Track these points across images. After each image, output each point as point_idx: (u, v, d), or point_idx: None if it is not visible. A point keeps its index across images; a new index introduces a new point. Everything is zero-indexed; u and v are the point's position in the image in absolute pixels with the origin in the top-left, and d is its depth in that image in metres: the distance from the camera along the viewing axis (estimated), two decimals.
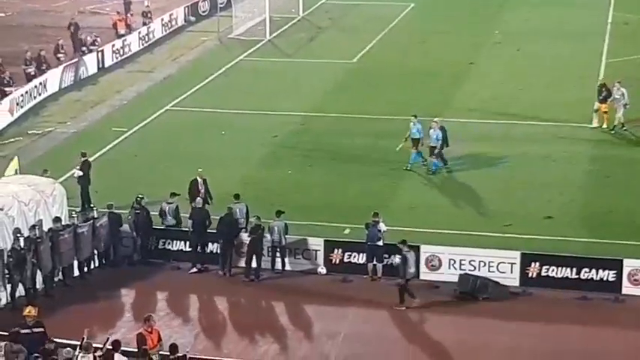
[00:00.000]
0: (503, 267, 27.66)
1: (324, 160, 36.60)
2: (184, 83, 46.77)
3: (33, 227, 26.87)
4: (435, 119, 35.52)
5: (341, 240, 29.30)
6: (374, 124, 40.07)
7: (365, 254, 28.35)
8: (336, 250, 28.72)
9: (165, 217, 29.91)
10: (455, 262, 27.93)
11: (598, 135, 38.78)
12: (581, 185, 34.22)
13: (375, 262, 28.21)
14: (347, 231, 30.07)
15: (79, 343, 20.94)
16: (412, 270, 27.03)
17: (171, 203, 30.02)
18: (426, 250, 28.17)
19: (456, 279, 27.57)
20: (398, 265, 27.18)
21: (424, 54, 51.28)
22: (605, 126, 39.02)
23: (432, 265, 28.12)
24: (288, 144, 38.74)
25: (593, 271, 27.19)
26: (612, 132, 38.69)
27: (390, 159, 36.30)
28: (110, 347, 21.08)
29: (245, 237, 28.74)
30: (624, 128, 38.80)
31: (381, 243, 28.09)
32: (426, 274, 28.08)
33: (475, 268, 27.75)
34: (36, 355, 20.65)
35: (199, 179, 31.34)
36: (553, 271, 27.45)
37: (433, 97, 43.62)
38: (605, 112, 38.97)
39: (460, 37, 54.11)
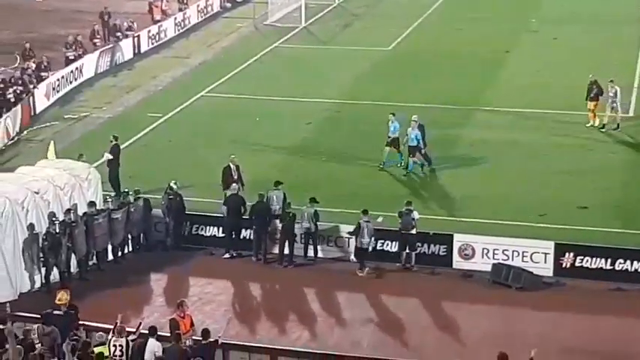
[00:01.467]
0: (536, 257, 27.51)
1: (358, 147, 36.51)
2: (219, 69, 46.83)
3: (68, 211, 27.06)
4: (414, 117, 34.39)
5: (374, 227, 29.21)
6: (407, 112, 39.83)
7: (397, 242, 28.30)
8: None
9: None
10: (488, 251, 27.82)
11: (634, 124, 38.40)
12: (617, 175, 33.94)
13: (407, 251, 28.16)
14: (380, 219, 29.94)
15: (112, 327, 21.05)
16: (365, 240, 27.42)
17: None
18: (459, 239, 28.09)
19: (489, 268, 27.49)
20: (353, 232, 27.74)
21: (460, 41, 50.97)
22: (596, 124, 37.87)
23: (466, 254, 28.03)
24: (322, 131, 38.70)
25: (628, 262, 27.00)
26: (602, 130, 37.59)
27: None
28: (144, 332, 21.17)
29: (278, 224, 28.78)
30: (618, 129, 37.55)
31: (414, 231, 28.04)
32: (459, 263, 28.03)
33: (508, 257, 27.63)
34: (69, 338, 20.78)
35: (232, 166, 31.35)
36: (587, 261, 27.29)
37: (468, 85, 43.39)
38: (591, 110, 37.98)
39: (496, 25, 53.81)
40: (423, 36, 52.68)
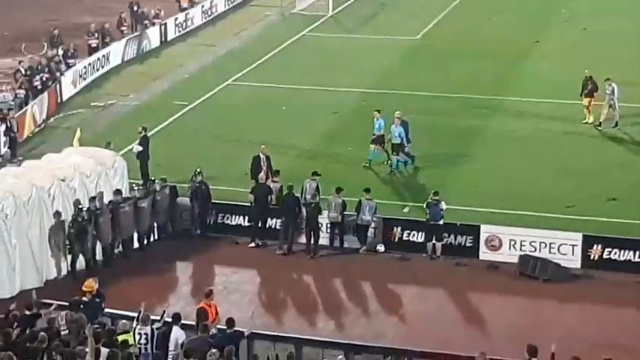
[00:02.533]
0: (564, 249, 27.31)
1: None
2: (246, 58, 46.73)
3: (93, 199, 27.08)
4: (397, 113, 33.62)
5: (400, 218, 29.15)
6: (436, 102, 39.71)
7: (424, 233, 28.16)
8: (394, 229, 28.59)
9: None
10: (515, 242, 27.64)
11: None
12: None
13: (434, 241, 28.02)
14: (406, 209, 29.90)
15: (136, 315, 21.02)
16: (366, 217, 28.09)
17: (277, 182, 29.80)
18: (486, 230, 27.94)
19: (516, 259, 27.32)
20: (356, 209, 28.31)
21: (489, 31, 50.65)
22: (590, 121, 37.01)
23: (492, 245, 27.85)
24: (349, 120, 38.56)
25: None
26: (599, 127, 36.69)
27: (451, 138, 35.98)
28: (168, 320, 21.12)
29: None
30: (617, 127, 36.63)
31: (441, 222, 27.88)
32: (485, 254, 27.87)
33: (536, 249, 27.45)
34: (95, 325, 20.77)
35: (262, 155, 31.16)
36: (615, 253, 27.07)
37: (497, 75, 43.13)
38: (586, 107, 37.13)
39: (526, 15, 53.38)
40: (452, 25, 52.35)
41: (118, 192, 27.90)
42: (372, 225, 28.37)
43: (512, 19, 52.64)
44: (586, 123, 37.10)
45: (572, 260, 27.22)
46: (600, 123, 36.84)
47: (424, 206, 28.09)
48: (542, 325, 24.21)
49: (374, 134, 33.71)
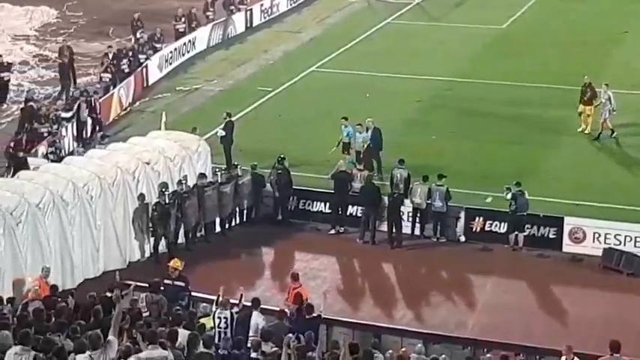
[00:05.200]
0: None
1: (468, 126, 35.99)
2: (330, 45, 46.67)
3: (180, 182, 27.32)
4: (369, 119, 32.20)
5: (482, 208, 28.89)
6: (520, 92, 39.25)
7: (507, 223, 27.87)
8: (477, 219, 28.35)
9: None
10: (599, 235, 27.24)
11: None
12: None
13: (517, 232, 27.71)
14: (489, 199, 29.60)
15: (214, 298, 21.17)
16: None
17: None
18: (569, 222, 27.57)
19: (600, 253, 26.91)
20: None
21: (577, 20, 49.86)
22: (587, 130, 34.89)
23: (576, 238, 27.49)
24: (433, 109, 38.31)
25: None
26: (596, 139, 34.56)
27: (536, 128, 35.53)
28: (247, 304, 21.23)
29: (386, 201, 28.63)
30: (613, 135, 34.63)
31: (525, 213, 27.60)
32: (569, 247, 27.52)
33: (620, 242, 27.02)
34: (176, 308, 20.98)
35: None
36: None
37: (583, 65, 42.33)
38: (589, 116, 34.91)
39: (615, 4, 52.36)
40: (539, 14, 51.63)
41: (202, 176, 28.12)
42: (444, 210, 28.13)
43: (601, 9, 51.62)
44: (582, 131, 35.01)
45: None
46: (600, 133, 34.64)
47: (508, 197, 27.72)
48: (625, 320, 23.86)
49: (342, 141, 32.27)
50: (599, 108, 34.80)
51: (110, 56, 39.75)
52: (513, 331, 23.12)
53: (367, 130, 32.03)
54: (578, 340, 21.53)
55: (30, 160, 30.45)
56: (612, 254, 26.68)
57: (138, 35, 43.25)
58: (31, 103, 35.34)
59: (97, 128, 35.57)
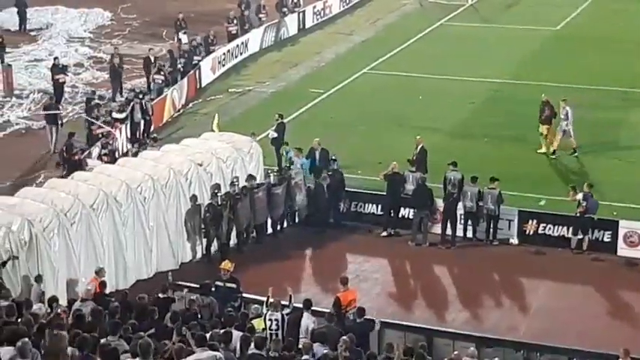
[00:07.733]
0: None
1: (521, 128, 35.67)
2: (383, 47, 46.59)
3: (232, 184, 27.40)
4: (316, 140, 31.14)
5: (536, 211, 28.62)
6: (574, 94, 38.79)
7: (571, 226, 27.54)
8: (530, 221, 28.11)
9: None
10: None
11: None
12: None
13: (581, 235, 27.38)
14: (542, 202, 29.32)
15: (264, 299, 21.18)
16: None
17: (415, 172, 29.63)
18: (624, 226, 27.23)
19: None
20: None
21: (633, 23, 49.32)
22: (543, 150, 33.29)
23: (631, 242, 27.14)
24: (485, 111, 38.09)
25: None
26: (553, 157, 33.18)
27: (590, 130, 35.13)
28: (298, 305, 21.19)
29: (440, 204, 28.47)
30: (575, 154, 33.19)
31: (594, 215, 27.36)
32: (623, 250, 27.17)
33: None
34: (228, 309, 21.01)
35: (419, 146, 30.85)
36: None
37: (638, 66, 41.96)
38: (545, 136, 33.23)
39: None
40: (593, 16, 51.18)
41: (251, 177, 28.17)
42: (496, 213, 27.89)
43: None
44: (543, 153, 33.38)
45: None
46: (554, 152, 33.25)
47: (578, 197, 27.30)
48: None
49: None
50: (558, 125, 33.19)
51: (163, 58, 40.03)
52: (567, 335, 22.88)
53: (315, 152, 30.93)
54: (633, 346, 21.25)
55: (89, 161, 30.89)
56: None
57: (180, 36, 43.52)
58: (97, 101, 35.87)
59: (144, 129, 35.82)
